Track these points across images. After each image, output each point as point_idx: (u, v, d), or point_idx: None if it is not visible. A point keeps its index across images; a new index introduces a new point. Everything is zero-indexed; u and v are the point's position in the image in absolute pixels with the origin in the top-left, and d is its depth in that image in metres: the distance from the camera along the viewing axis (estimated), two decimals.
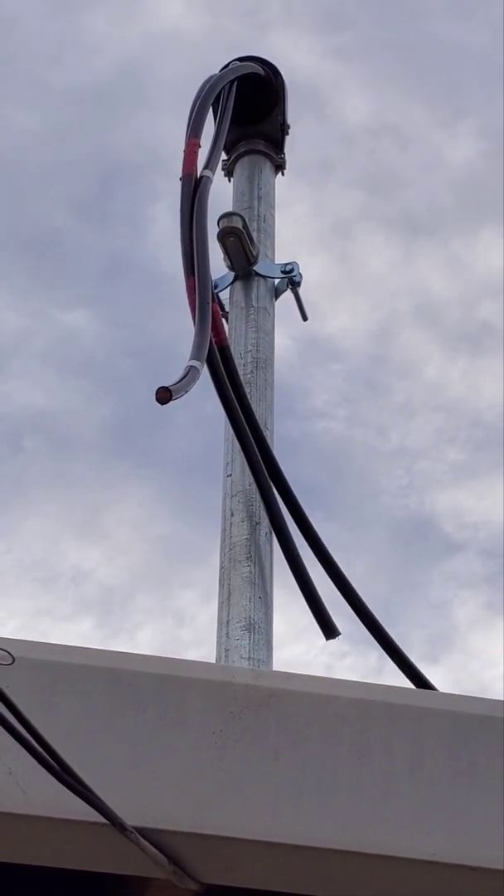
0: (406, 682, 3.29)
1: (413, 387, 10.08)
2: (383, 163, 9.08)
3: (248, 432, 3.33)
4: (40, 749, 1.86)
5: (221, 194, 3.73)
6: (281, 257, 3.77)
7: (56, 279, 10.18)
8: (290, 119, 3.92)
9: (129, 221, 9.79)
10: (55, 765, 1.89)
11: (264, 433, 3.38)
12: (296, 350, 3.67)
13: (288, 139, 3.92)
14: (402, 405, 10.09)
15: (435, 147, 9.62)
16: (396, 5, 9.44)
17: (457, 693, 2.51)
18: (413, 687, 3.26)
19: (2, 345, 9.55)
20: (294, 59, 8.30)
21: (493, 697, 2.35)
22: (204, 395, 3.13)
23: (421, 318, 10.15)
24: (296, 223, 3.84)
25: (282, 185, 3.92)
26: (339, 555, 3.37)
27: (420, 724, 2.24)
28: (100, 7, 9.46)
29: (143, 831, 2.03)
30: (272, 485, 3.33)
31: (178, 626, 10.34)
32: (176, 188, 3.45)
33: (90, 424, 10.34)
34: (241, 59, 3.83)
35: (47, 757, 1.88)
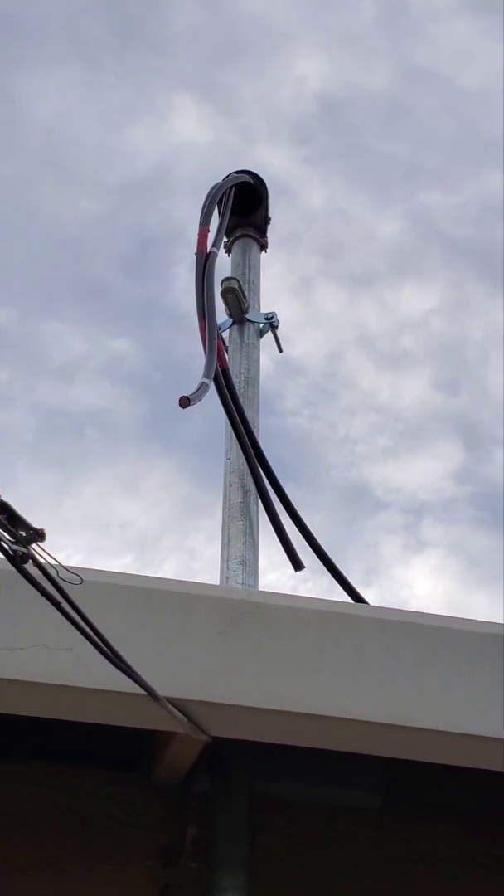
0: (348, 599, 3.29)
1: (354, 394, 10.21)
2: (334, 235, 9.19)
3: (242, 428, 3.32)
4: (99, 641, 1.85)
5: (223, 264, 3.72)
6: (264, 307, 3.77)
7: (108, 316, 10.33)
8: (270, 213, 3.91)
9: (158, 276, 9.88)
10: (109, 652, 1.88)
11: (253, 429, 3.38)
12: (273, 368, 3.68)
13: (269, 227, 3.91)
14: (347, 407, 10.20)
15: (370, 225, 9.74)
16: (343, 125, 9.53)
17: (384, 606, 2.51)
18: (353, 601, 3.26)
19: (71, 362, 9.69)
20: (273, 162, 8.41)
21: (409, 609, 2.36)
22: (209, 402, 3.13)
23: (360, 345, 10.26)
24: (274, 277, 3.84)
25: (265, 257, 3.92)
26: (303, 511, 3.37)
27: (360, 627, 2.23)
28: (138, 125, 9.55)
29: (170, 699, 2.03)
30: (258, 464, 3.33)
31: (191, 559, 10.40)
32: (192, 256, 3.46)
33: (131, 419, 10.49)
34: (237, 172, 3.82)
35: (104, 647, 1.86)
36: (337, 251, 9.54)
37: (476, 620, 2.29)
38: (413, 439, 10.92)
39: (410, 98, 9.77)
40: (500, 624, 2.28)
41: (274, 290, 3.81)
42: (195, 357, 3.20)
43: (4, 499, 1.61)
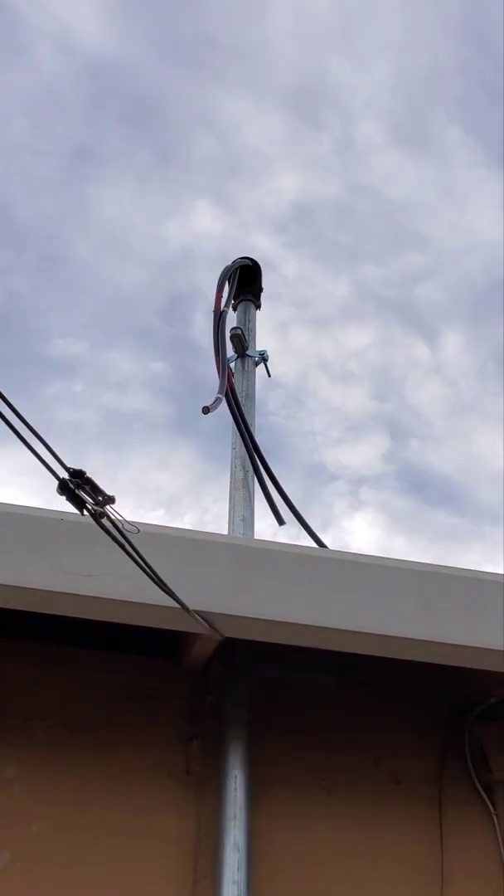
0: (314, 544, 3.28)
1: (316, 402, 10.23)
2: (303, 297, 9.20)
3: (244, 427, 3.31)
4: (149, 571, 1.86)
5: (231, 318, 3.70)
6: (259, 346, 3.75)
7: (149, 347, 10.30)
8: (263, 284, 3.89)
9: (184, 321, 9.86)
10: (157, 578, 1.88)
11: (251, 428, 3.37)
12: (260, 385, 3.69)
13: (263, 295, 3.90)
14: (310, 410, 10.23)
15: (327, 287, 9.75)
16: (309, 222, 9.53)
17: (340, 549, 2.51)
18: (318, 546, 3.26)
19: (124, 379, 9.75)
20: (261, 245, 8.43)
21: (355, 552, 2.36)
22: (221, 410, 3.11)
23: (320, 368, 10.27)
24: (262, 322, 3.85)
25: (260, 315, 3.90)
26: (283, 481, 3.36)
27: (325, 564, 2.21)
28: (172, 220, 9.52)
29: (197, 611, 2.02)
30: (255, 452, 3.32)
31: (203, 514, 10.40)
32: (208, 307, 3.44)
33: (164, 418, 10.51)
34: (241, 257, 3.80)
35: (153, 574, 1.87)
36: (304, 305, 9.57)
37: (399, 559, 2.28)
38: (356, 432, 10.96)
39: (354, 202, 9.79)
40: (415, 561, 2.28)
41: (262, 331, 3.81)
42: (209, 375, 3.20)
43: (87, 475, 1.62)
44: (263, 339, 3.85)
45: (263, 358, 3.69)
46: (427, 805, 2.46)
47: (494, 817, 2.44)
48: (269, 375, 3.72)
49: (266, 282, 3.87)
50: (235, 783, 2.23)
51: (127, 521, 1.76)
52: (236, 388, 3.48)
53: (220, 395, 2.94)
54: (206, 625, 2.07)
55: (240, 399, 3.42)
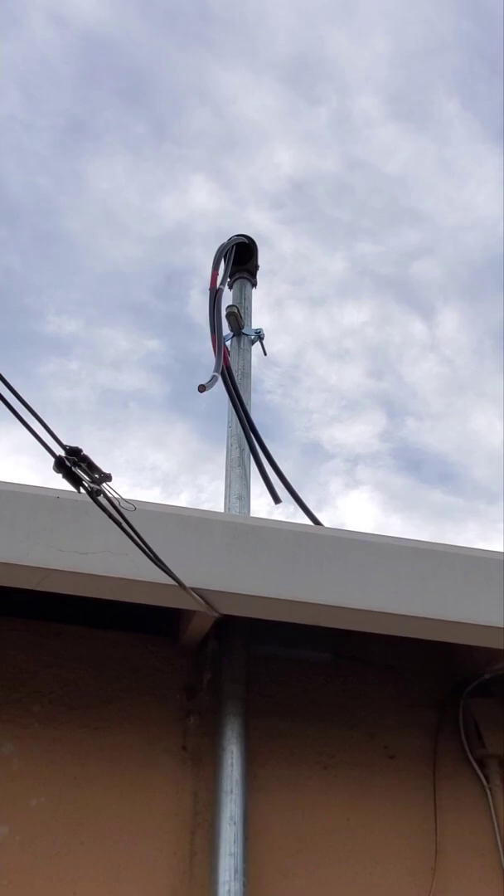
0: (309, 522, 3.29)
1: (312, 379, 10.19)
2: (299, 273, 9.13)
3: (240, 406, 3.31)
4: (146, 548, 1.86)
5: (227, 296, 3.69)
6: (254, 325, 3.73)
7: (145, 325, 10.23)
8: (258, 262, 3.87)
9: (179, 298, 9.80)
10: (153, 555, 1.88)
11: (247, 406, 3.36)
12: (258, 362, 3.68)
13: (259, 272, 3.88)
14: (307, 388, 10.18)
15: (324, 264, 9.68)
16: (306, 197, 9.45)
17: (334, 527, 2.51)
18: (313, 524, 3.26)
19: (120, 356, 9.65)
20: (257, 221, 8.35)
21: (351, 529, 2.36)
22: (216, 388, 3.10)
23: (317, 346, 10.22)
24: (258, 300, 3.83)
25: (256, 292, 3.89)
26: (279, 460, 3.36)
27: (320, 541, 2.21)
28: (167, 196, 9.45)
29: (193, 589, 2.02)
30: (251, 431, 3.32)
31: (199, 493, 10.39)
32: (203, 283, 3.45)
33: (160, 396, 10.49)
34: (237, 235, 3.78)
35: (149, 552, 1.86)
36: (300, 282, 9.51)
37: (394, 536, 2.28)
38: (351, 410, 10.96)
39: (351, 178, 9.69)
40: (409, 539, 2.27)
41: (258, 309, 3.79)
42: (205, 353, 3.20)
43: (83, 453, 1.61)
44: (259, 317, 3.84)
45: (259, 336, 3.68)
46: (421, 779, 2.48)
47: (488, 791, 2.46)
48: (265, 354, 3.71)
49: (262, 259, 3.86)
50: (232, 758, 2.24)
51: (123, 499, 1.75)
52: (232, 366, 3.47)
53: (216, 374, 2.94)
54: (203, 602, 2.07)
55: (236, 377, 3.41)
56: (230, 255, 3.63)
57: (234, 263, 3.70)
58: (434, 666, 2.62)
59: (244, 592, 2.08)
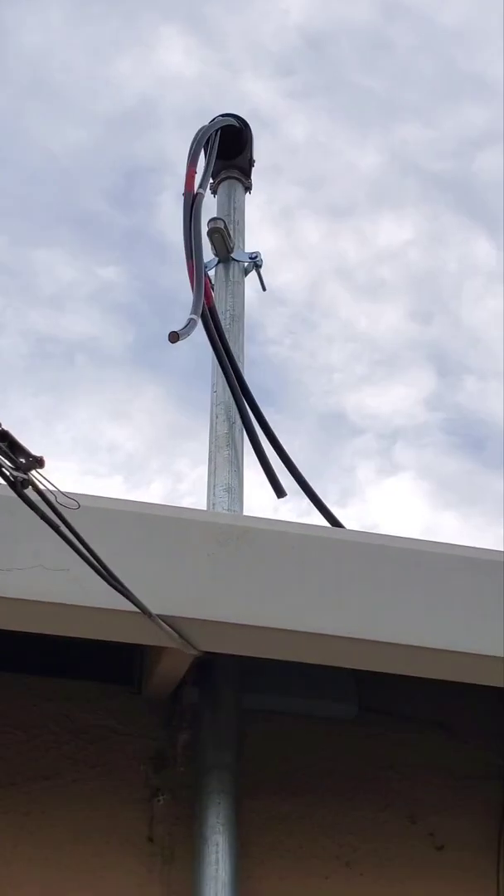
0: (326, 523, 3.29)
1: (333, 323, 10.13)
2: (315, 168, 9.02)
3: (228, 363, 3.30)
4: (95, 562, 1.84)
5: (210, 205, 3.67)
6: (249, 245, 3.73)
7: (96, 245, 10.21)
8: (254, 153, 3.84)
9: (145, 206, 9.76)
10: (105, 572, 1.87)
11: (238, 363, 3.36)
12: (256, 298, 3.65)
13: (256, 170, 3.86)
14: (326, 336, 10.12)
15: (351, 157, 9.57)
16: (325, 59, 9.34)
17: (360, 530, 2.51)
18: (330, 525, 3.27)
19: (61, 290, 9.62)
20: (257, 95, 8.26)
21: (382, 530, 2.36)
22: (197, 332, 3.09)
23: (340, 276, 10.14)
24: (257, 208, 3.80)
25: (252, 199, 3.87)
26: (284, 437, 3.36)
27: (339, 550, 2.22)
28: (125, 56, 9.33)
29: (161, 617, 2.02)
30: (243, 397, 3.31)
31: (177, 482, 10.40)
32: (179, 184, 3.41)
33: (120, 346, 10.45)
34: (223, 115, 3.75)
35: (100, 568, 1.86)
36: (317, 183, 9.38)
37: (445, 543, 2.29)
38: (388, 367, 10.90)
39: (391, 33, 9.54)
40: (468, 547, 2.29)
41: (257, 221, 3.76)
42: (181, 286, 3.17)
43: (4, 427, 1.59)
44: (257, 235, 3.81)
45: (256, 263, 3.67)
46: (481, 878, 2.51)
47: None
48: (265, 288, 3.70)
49: (261, 150, 3.83)
50: (217, 853, 2.25)
51: (62, 493, 1.74)
52: (218, 306, 3.46)
53: (193, 316, 2.92)
54: (176, 635, 2.07)
55: (222, 322, 3.40)
56: (213, 145, 3.61)
57: (219, 157, 3.68)
58: (498, 724, 2.63)
59: (234, 621, 2.08)
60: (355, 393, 10.70)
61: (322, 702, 2.58)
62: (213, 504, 3.09)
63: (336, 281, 10.20)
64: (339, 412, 10.65)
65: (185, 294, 3.08)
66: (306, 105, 9.25)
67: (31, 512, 1.67)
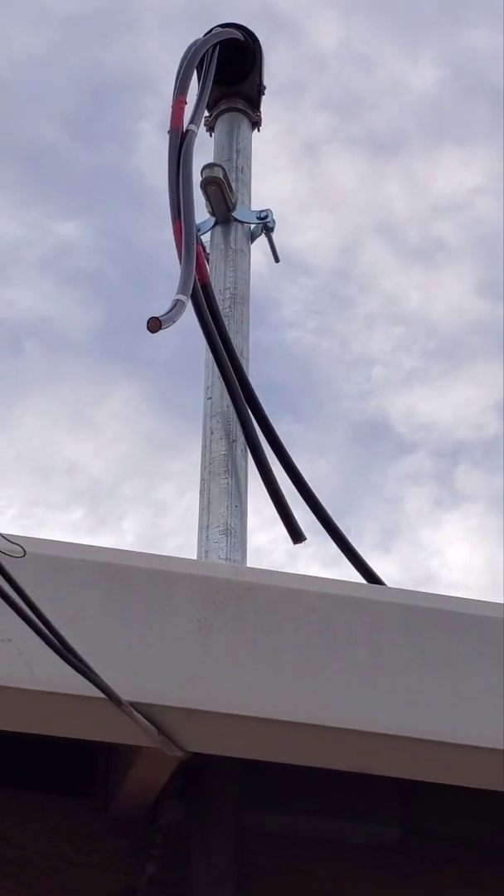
0: (360, 578, 3.30)
1: (374, 299, 9.97)
2: (350, 87, 8.87)
3: (227, 360, 3.32)
4: (46, 631, 1.86)
5: (204, 147, 3.69)
6: (257, 200, 3.77)
7: (50, 191, 10.04)
8: (268, 76, 3.89)
9: (117, 137, 9.60)
10: (59, 645, 1.88)
11: (241, 360, 3.38)
12: (268, 264, 3.66)
13: (265, 97, 3.90)
14: (364, 317, 9.98)
15: (398, 74, 9.38)
16: None
17: (407, 588, 2.52)
18: (365, 581, 3.28)
19: (3, 252, 9.43)
20: None
21: (439, 586, 2.36)
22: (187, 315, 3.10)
23: (382, 234, 9.99)
24: (269, 142, 3.79)
25: (261, 137, 3.91)
26: (303, 456, 3.39)
27: (379, 615, 2.23)
28: None
29: (135, 705, 2.02)
30: (247, 406, 3.32)
31: (159, 515, 10.31)
32: (162, 109, 3.48)
33: (83, 328, 10.24)
34: (222, 26, 3.80)
35: (53, 638, 1.87)
36: (353, 107, 9.28)
37: None
38: (449, 360, 10.74)
39: None
40: None
41: (270, 158, 3.77)
42: (165, 247, 3.19)
43: None
44: (266, 187, 3.84)
45: (266, 225, 3.71)
46: None
47: None
48: (278, 259, 3.73)
49: (277, 63, 3.86)
50: None
51: (2, 535, 1.76)
52: (213, 282, 3.48)
53: (181, 297, 2.94)
54: (155, 731, 2.08)
55: (220, 305, 3.43)
56: (209, 65, 3.65)
57: (217, 82, 3.72)
58: None
59: (232, 712, 2.10)
60: (403, 395, 10.62)
61: (352, 823, 2.59)
62: (207, 551, 3.10)
63: (378, 242, 10.11)
64: (380, 422, 10.53)
65: (170, 260, 3.10)
66: (337, 3, 9.20)
67: None
